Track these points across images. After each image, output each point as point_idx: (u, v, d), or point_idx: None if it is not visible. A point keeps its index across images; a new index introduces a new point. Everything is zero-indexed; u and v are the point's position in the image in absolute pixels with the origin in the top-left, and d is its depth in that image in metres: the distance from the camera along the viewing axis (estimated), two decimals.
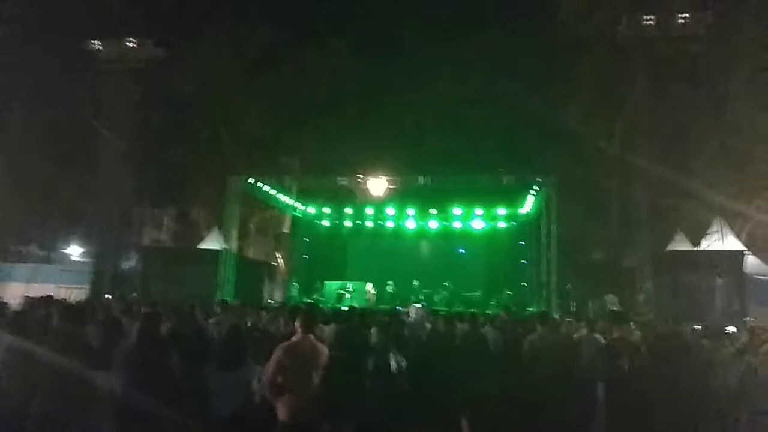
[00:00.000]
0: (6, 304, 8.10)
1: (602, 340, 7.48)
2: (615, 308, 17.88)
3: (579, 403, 6.77)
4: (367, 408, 5.82)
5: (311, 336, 5.38)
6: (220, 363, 5.29)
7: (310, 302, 19.41)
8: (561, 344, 7.55)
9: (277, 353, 5.16)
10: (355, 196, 24.85)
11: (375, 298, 22.48)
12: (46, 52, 23.84)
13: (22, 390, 5.30)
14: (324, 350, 5.37)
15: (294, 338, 5.32)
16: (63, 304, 8.60)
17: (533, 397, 6.86)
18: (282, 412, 5.04)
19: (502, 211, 22.82)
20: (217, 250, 21.38)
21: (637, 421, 6.36)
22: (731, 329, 10.77)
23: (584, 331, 7.76)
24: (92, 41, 25.64)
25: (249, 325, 8.69)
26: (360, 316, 8.63)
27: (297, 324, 5.43)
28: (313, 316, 5.68)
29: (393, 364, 6.15)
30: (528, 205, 22.25)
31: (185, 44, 26.48)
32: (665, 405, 6.22)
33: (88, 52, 25.72)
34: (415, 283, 22.67)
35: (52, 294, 11.09)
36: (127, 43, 25.73)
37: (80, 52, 25.60)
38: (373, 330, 7.68)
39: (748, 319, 15.85)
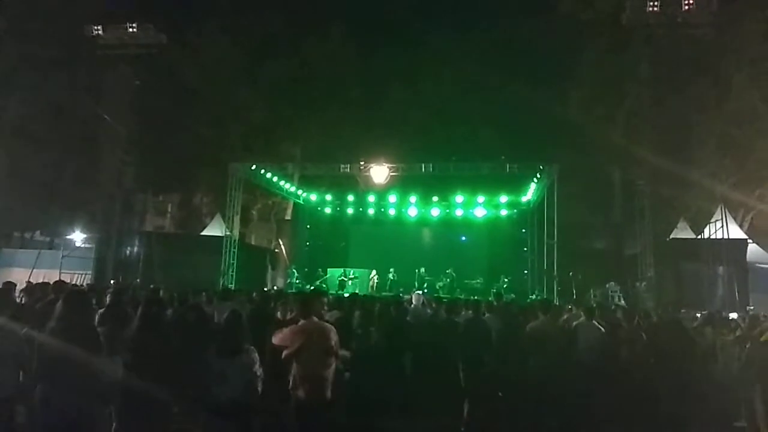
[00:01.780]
0: (10, 289, 8.10)
1: (601, 328, 7.51)
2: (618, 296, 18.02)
3: (579, 389, 6.81)
4: (369, 393, 5.87)
5: (317, 319, 5.43)
6: (220, 349, 5.31)
7: (313, 288, 19.47)
8: (562, 331, 7.59)
9: (285, 333, 5.23)
10: (358, 184, 24.86)
11: (377, 285, 22.56)
12: (47, 38, 23.74)
13: (23, 374, 5.35)
14: (332, 333, 5.39)
15: (301, 322, 5.37)
16: (66, 289, 8.62)
17: (533, 383, 6.94)
18: (290, 394, 5.12)
19: (504, 198, 22.79)
20: (219, 237, 21.41)
21: (640, 406, 6.41)
22: (733, 316, 10.80)
23: (583, 319, 7.74)
24: (94, 27, 25.48)
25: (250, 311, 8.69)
26: (362, 303, 8.64)
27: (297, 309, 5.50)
28: (310, 301, 5.71)
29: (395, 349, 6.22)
30: (530, 193, 22.22)
31: (188, 31, 26.41)
32: (668, 391, 6.27)
33: (89, 38, 25.58)
34: (422, 270, 22.67)
35: (58, 279, 11.09)
36: (129, 30, 25.57)
37: (81, 38, 25.46)
38: (376, 316, 7.72)
39: (750, 307, 15.90)
